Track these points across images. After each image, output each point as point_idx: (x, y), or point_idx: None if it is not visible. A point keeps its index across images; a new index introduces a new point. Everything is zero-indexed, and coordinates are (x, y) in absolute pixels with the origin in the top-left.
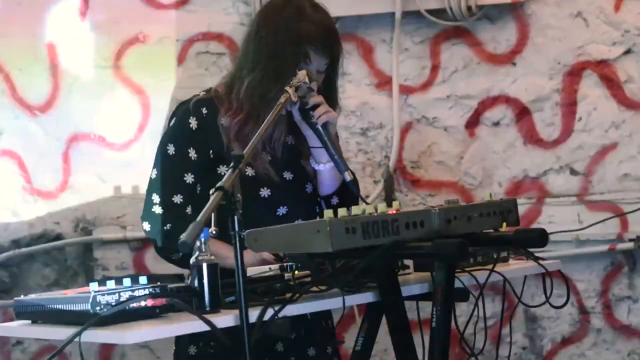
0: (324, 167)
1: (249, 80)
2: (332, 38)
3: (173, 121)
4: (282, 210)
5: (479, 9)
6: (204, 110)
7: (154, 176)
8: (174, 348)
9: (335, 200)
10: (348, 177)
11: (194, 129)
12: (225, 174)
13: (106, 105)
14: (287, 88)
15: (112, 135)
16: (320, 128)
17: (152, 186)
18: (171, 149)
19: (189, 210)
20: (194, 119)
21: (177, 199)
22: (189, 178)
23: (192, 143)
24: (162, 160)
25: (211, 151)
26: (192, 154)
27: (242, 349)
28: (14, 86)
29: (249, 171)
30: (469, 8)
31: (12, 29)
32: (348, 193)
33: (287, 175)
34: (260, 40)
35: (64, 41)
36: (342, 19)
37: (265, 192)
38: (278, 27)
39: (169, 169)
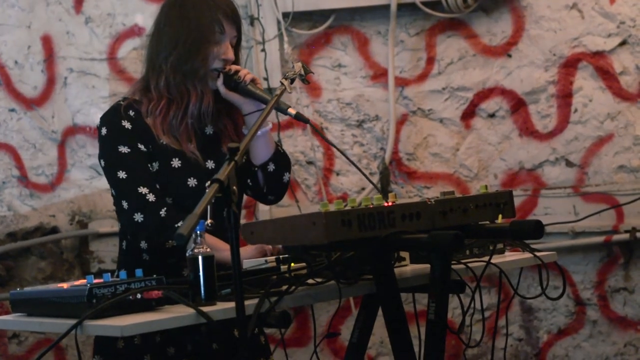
0: (260, 132)
1: (171, 61)
2: (236, 9)
3: (106, 129)
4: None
5: (474, 1)
6: (131, 113)
7: (124, 176)
8: None
9: (271, 167)
10: (292, 112)
11: (129, 128)
12: (156, 169)
13: (102, 98)
14: (283, 80)
15: None
16: (249, 87)
17: (130, 183)
18: (124, 149)
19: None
20: (126, 121)
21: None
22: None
23: (136, 139)
24: (123, 160)
25: (150, 146)
26: (142, 147)
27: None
28: (9, 79)
29: (175, 163)
30: (464, 0)
31: (8, 22)
32: (282, 159)
33: (210, 164)
34: (172, 25)
35: (59, 34)
36: (338, 11)
37: (192, 182)
38: (187, 5)
39: (135, 164)
